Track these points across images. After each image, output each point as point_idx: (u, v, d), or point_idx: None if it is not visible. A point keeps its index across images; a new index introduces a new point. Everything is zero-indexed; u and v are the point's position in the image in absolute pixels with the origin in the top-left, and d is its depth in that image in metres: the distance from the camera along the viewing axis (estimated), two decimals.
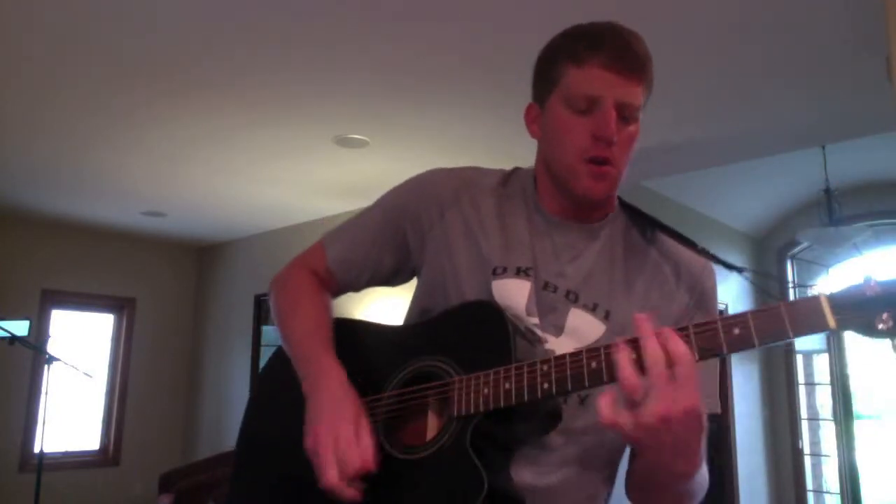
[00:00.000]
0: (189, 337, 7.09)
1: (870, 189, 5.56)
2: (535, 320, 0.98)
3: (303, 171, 4.58)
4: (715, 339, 0.75)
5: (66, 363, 4.65)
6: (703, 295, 1.06)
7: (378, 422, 0.97)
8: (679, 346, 0.74)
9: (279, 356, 1.14)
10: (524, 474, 0.93)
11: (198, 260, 7.31)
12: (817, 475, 6.25)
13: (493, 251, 1.02)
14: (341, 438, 0.90)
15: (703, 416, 0.76)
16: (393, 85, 3.30)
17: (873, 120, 3.62)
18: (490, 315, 0.95)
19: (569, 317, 0.99)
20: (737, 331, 0.74)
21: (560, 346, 0.96)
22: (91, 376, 4.88)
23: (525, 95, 1.09)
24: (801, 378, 6.38)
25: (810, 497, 6.15)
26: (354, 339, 1.07)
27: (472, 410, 0.89)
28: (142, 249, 6.82)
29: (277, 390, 1.14)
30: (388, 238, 1.11)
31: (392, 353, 1.02)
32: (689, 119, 3.66)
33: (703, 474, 0.87)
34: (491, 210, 1.06)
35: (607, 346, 0.79)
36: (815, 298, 0.72)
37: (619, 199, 1.09)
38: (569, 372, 0.82)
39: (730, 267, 1.05)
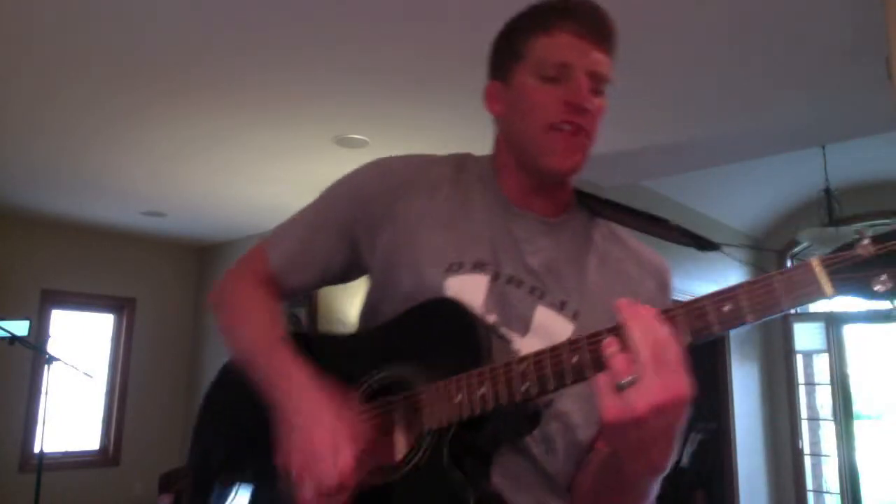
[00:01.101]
0: (189, 337, 7.09)
1: (870, 189, 5.56)
2: (494, 318, 0.91)
3: (303, 171, 4.58)
4: (704, 317, 0.70)
5: (66, 363, 4.64)
6: (665, 286, 1.01)
7: None
8: (661, 327, 0.69)
9: (229, 372, 1.05)
10: (515, 488, 0.88)
11: (198, 260, 7.31)
12: (817, 475, 6.25)
13: (448, 246, 0.95)
14: (315, 452, 0.83)
15: (687, 405, 0.71)
16: (393, 85, 3.30)
17: (873, 120, 3.62)
18: (455, 313, 0.87)
19: (535, 314, 0.92)
20: (727, 307, 0.69)
21: (527, 345, 0.88)
22: (91, 376, 4.88)
23: None
24: (801, 378, 6.38)
25: (810, 497, 6.15)
26: (309, 353, 0.96)
27: (445, 421, 0.82)
28: (142, 249, 6.82)
29: (232, 407, 1.05)
30: (335, 234, 1.02)
31: (350, 365, 0.94)
32: (689, 119, 3.66)
33: (654, 488, 0.82)
34: (446, 201, 0.99)
35: (590, 336, 0.73)
36: (808, 265, 0.67)
37: (576, 190, 1.04)
38: (549, 369, 0.75)
39: (700, 241, 0.95)
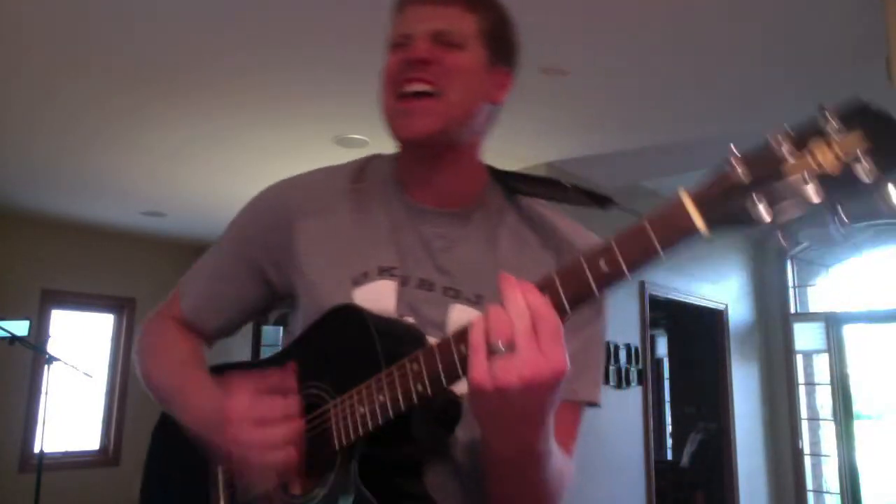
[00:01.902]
0: None
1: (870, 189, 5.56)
2: (411, 320, 0.88)
3: (303, 171, 4.58)
4: (583, 280, 0.65)
5: (66, 363, 4.64)
6: None
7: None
8: (538, 299, 0.65)
9: (163, 425, 1.03)
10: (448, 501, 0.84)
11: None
12: (817, 475, 6.25)
13: (351, 259, 0.92)
14: (248, 414, 0.80)
15: (561, 382, 0.67)
16: None
17: None
18: (350, 319, 0.84)
19: (450, 314, 0.89)
20: (604, 264, 0.64)
21: None
22: (91, 376, 4.88)
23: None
24: (801, 378, 6.39)
25: (810, 497, 6.15)
26: (227, 383, 0.94)
27: (353, 437, 0.78)
28: (142, 249, 6.81)
29: (171, 461, 1.03)
30: (243, 272, 1.01)
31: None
32: (690, 119, 3.66)
33: (556, 464, 0.78)
34: (345, 213, 0.96)
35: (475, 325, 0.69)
36: (678, 200, 0.61)
37: (490, 169, 1.00)
38: (440, 364, 0.71)
39: (600, 199, 0.89)
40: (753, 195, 0.57)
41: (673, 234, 0.61)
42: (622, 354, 4.67)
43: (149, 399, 1.02)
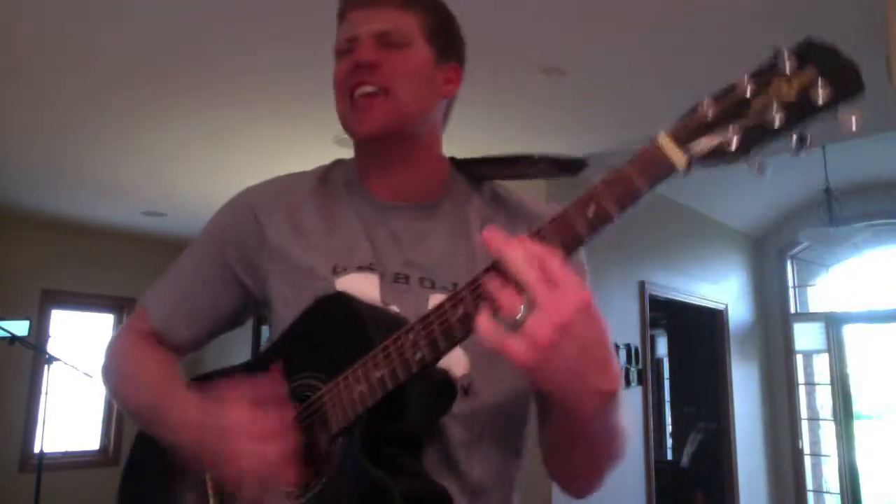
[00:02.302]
0: None
1: (870, 189, 5.56)
2: (396, 309, 0.88)
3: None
4: (573, 227, 0.66)
5: (66, 363, 4.64)
6: None
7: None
8: (535, 246, 0.65)
9: (141, 443, 1.02)
10: (442, 477, 0.84)
11: None
12: (817, 475, 6.25)
13: (328, 254, 0.93)
14: (243, 438, 0.79)
15: (598, 311, 0.65)
16: None
17: (873, 120, 3.62)
18: (338, 305, 0.85)
19: (430, 304, 0.88)
20: (592, 210, 0.65)
21: None
22: (91, 376, 4.87)
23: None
24: (801, 378, 6.39)
25: (810, 497, 6.15)
26: (213, 391, 0.91)
27: (352, 417, 0.77)
28: (142, 249, 6.81)
29: (151, 477, 1.02)
30: (216, 277, 1.00)
31: None
32: None
33: (623, 422, 0.76)
34: (314, 214, 0.97)
35: (469, 284, 0.69)
36: (654, 141, 0.65)
37: (452, 159, 1.02)
38: (437, 329, 0.71)
39: (570, 165, 0.90)
40: (722, 128, 0.64)
41: (653, 169, 0.65)
42: (622, 354, 4.67)
43: None
